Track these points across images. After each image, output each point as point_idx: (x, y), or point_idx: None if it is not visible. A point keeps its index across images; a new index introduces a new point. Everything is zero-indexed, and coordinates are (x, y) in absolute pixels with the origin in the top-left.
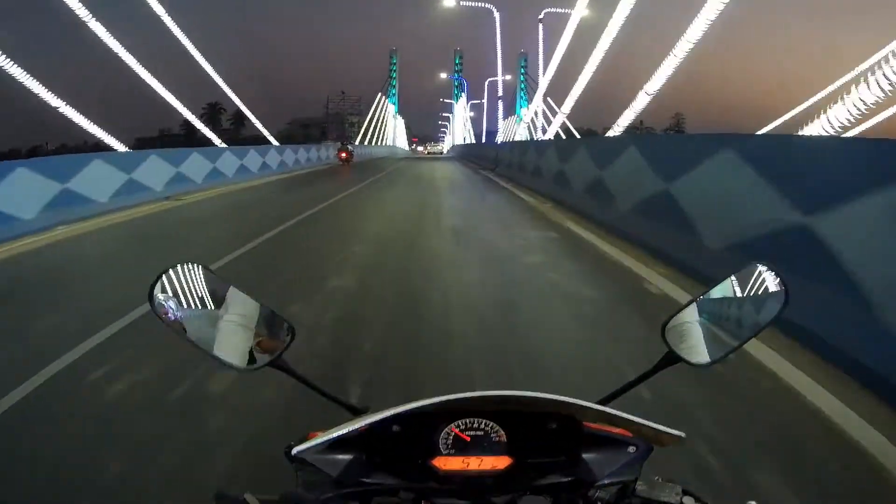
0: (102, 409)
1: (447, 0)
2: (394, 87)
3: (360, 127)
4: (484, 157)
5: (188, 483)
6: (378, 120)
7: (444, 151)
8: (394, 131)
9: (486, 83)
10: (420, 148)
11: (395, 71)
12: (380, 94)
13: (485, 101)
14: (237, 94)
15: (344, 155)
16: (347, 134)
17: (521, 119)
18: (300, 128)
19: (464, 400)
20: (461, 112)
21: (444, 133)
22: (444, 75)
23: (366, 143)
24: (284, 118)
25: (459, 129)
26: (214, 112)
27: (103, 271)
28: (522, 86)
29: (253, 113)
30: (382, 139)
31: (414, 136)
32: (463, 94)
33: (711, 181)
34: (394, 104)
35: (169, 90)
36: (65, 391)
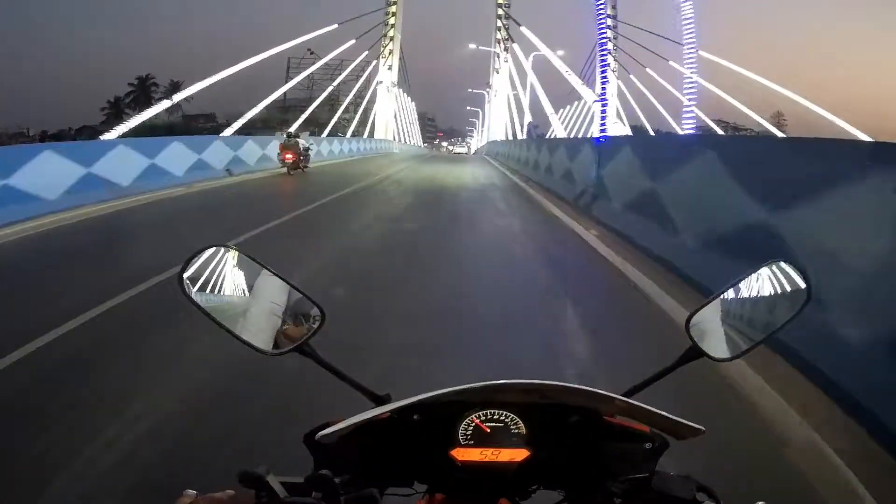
0: None
1: None
2: (389, 37)
3: (365, 112)
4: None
5: None
6: (369, 101)
7: (472, 152)
8: (397, 119)
9: None
10: (445, 144)
11: (392, 16)
12: (365, 54)
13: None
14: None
15: (290, 157)
16: (340, 121)
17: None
18: (279, 111)
19: (486, 388)
20: (504, 87)
21: (477, 129)
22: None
23: (348, 133)
24: (260, 98)
25: (500, 116)
26: (144, 88)
27: None
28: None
29: (216, 90)
30: (371, 129)
31: (439, 130)
32: (507, 56)
33: None
34: (390, 70)
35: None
36: None
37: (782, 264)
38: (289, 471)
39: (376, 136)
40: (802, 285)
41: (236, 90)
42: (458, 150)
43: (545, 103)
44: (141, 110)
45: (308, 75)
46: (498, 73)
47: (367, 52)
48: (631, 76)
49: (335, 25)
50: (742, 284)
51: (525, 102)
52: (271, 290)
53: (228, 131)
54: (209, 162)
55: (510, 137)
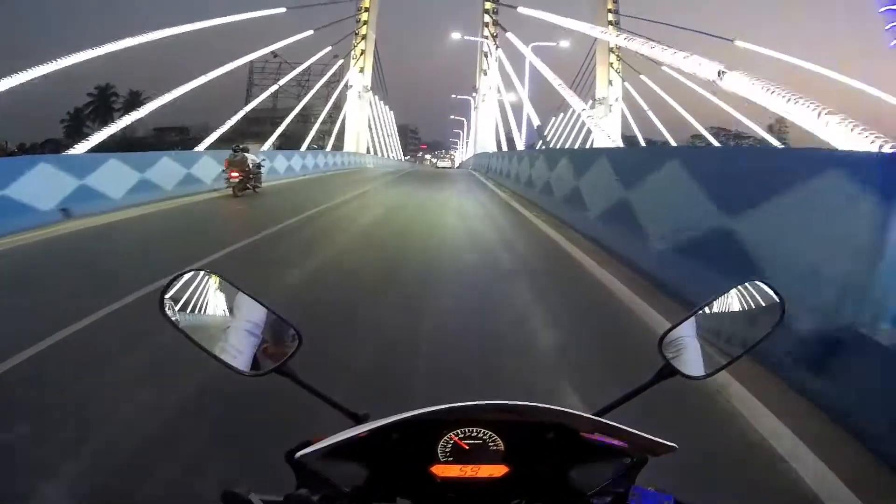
0: None
1: None
2: (361, 35)
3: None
4: None
5: None
6: (337, 108)
7: (456, 166)
8: (372, 129)
9: None
10: (429, 157)
11: (365, 11)
12: (328, 50)
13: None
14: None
15: (235, 175)
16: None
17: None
18: (251, 124)
19: (464, 408)
20: (494, 90)
21: (462, 140)
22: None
23: (304, 146)
24: (234, 111)
25: (488, 124)
26: (104, 98)
27: None
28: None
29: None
30: (338, 140)
31: (423, 142)
32: (497, 54)
33: None
34: (362, 72)
35: None
36: None
37: (756, 282)
38: (273, 489)
39: (347, 148)
40: (775, 303)
41: (210, 100)
42: (442, 164)
43: (571, 97)
44: (103, 121)
45: (274, 83)
46: (486, 74)
47: (330, 48)
48: (642, 76)
49: (283, 9)
50: (716, 303)
51: (524, 96)
52: (250, 314)
53: (79, 147)
54: (24, 200)
55: (504, 147)
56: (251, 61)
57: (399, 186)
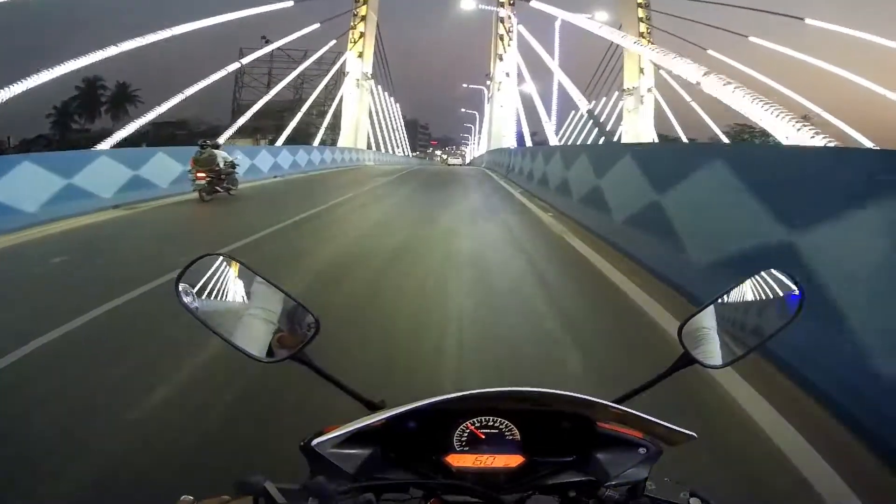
0: None
1: None
2: (360, 17)
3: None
4: None
5: None
6: (328, 97)
7: (467, 162)
8: (374, 123)
9: None
10: (439, 153)
11: None
12: (317, 26)
13: None
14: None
15: (202, 175)
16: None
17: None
18: (252, 118)
19: (480, 396)
20: (512, 77)
21: (473, 135)
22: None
23: (280, 140)
24: (229, 103)
25: (505, 116)
26: (92, 90)
27: None
28: None
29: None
30: (330, 134)
31: (433, 138)
32: (517, 30)
33: None
34: (361, 57)
35: None
36: None
37: (775, 272)
38: (286, 480)
39: (343, 142)
40: (794, 292)
41: (205, 93)
42: (453, 160)
43: (639, 48)
44: (90, 116)
45: (268, 72)
46: (502, 59)
47: (318, 24)
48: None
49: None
50: (735, 292)
51: (555, 68)
52: (267, 299)
53: None
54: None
55: (528, 142)
56: (240, 48)
57: (390, 196)
